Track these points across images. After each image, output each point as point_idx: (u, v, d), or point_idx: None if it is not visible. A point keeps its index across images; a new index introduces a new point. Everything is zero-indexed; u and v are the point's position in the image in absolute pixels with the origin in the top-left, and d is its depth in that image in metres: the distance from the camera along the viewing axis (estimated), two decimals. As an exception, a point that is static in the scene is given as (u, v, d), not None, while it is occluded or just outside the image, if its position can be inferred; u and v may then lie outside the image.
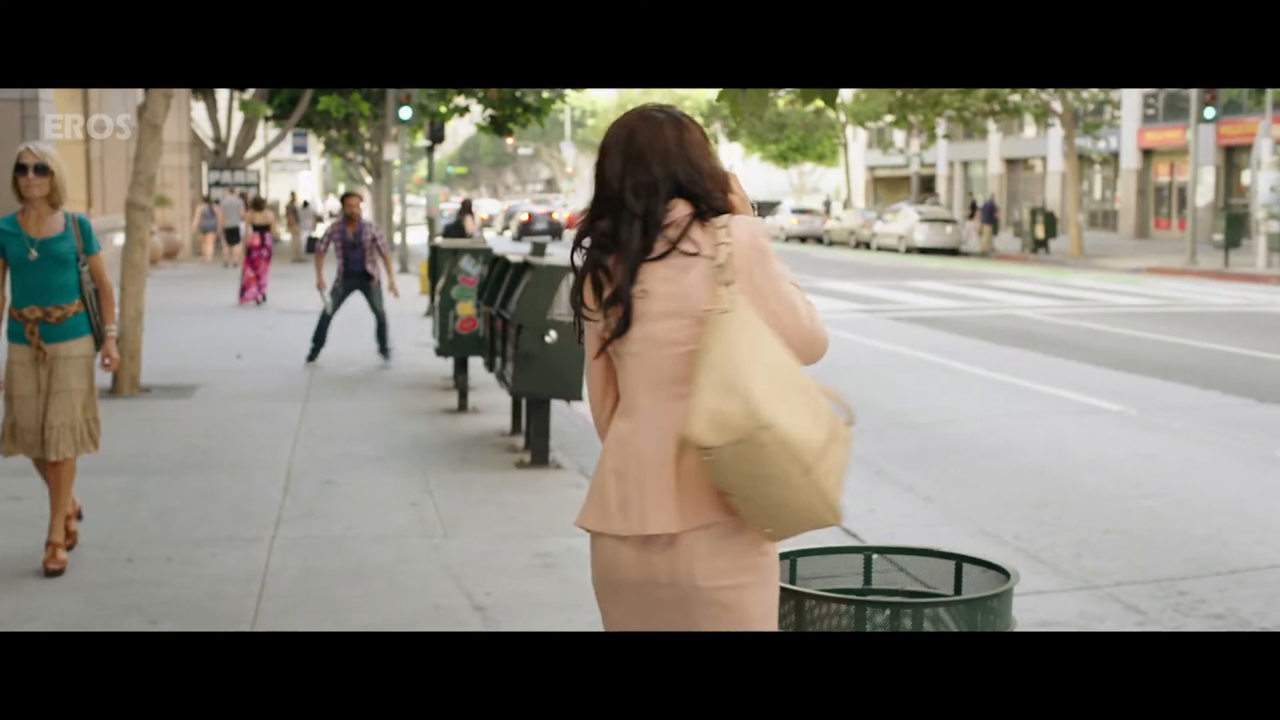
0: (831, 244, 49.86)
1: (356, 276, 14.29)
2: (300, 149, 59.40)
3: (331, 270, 14.73)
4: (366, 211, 45.44)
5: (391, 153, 38.19)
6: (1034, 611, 6.07)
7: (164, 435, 9.96)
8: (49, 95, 21.31)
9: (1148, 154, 47.87)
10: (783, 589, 3.15)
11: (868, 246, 46.03)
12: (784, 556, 3.40)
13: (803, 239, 53.22)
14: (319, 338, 14.06)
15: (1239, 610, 6.16)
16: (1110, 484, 8.75)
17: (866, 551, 3.51)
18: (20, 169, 6.33)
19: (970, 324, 19.00)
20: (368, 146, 44.29)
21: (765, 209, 63.92)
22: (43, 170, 6.32)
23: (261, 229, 22.08)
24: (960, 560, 3.43)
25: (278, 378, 13.12)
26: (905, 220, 43.85)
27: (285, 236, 40.63)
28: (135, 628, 5.58)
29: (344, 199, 14.78)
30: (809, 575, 3.43)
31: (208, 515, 7.57)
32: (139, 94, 19.51)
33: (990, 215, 43.71)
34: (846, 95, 50.94)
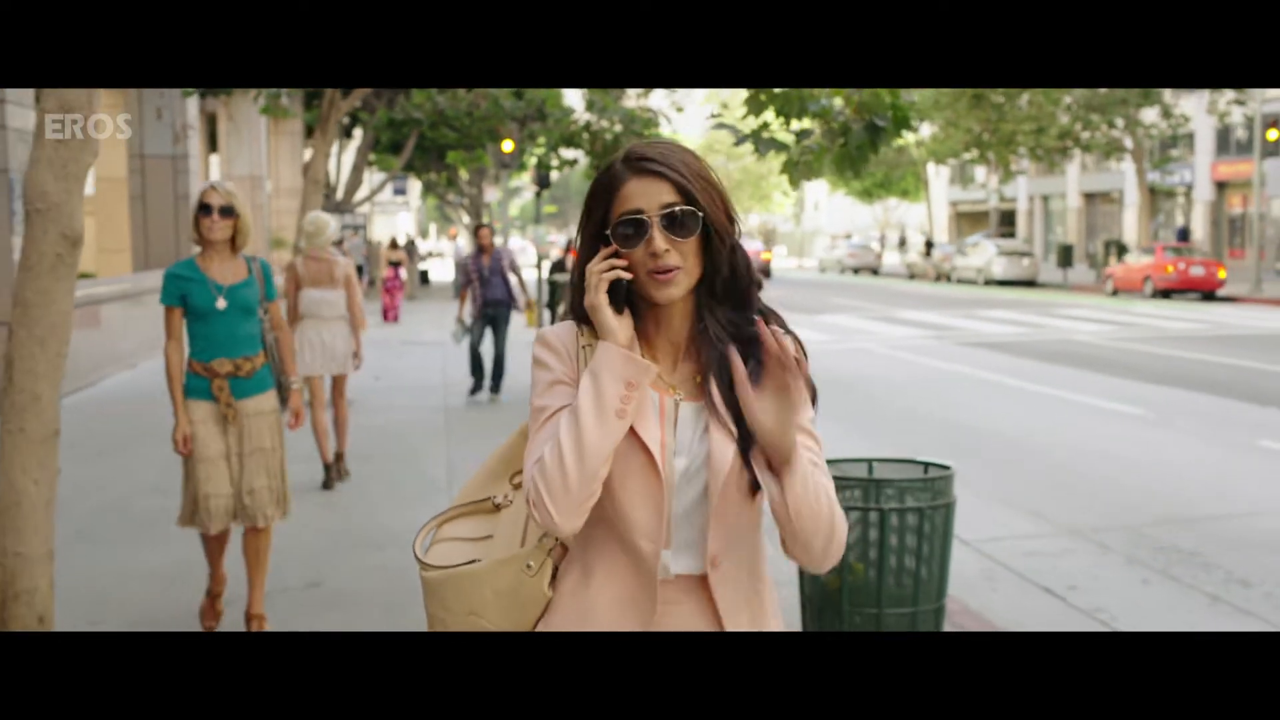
0: (914, 277, 51.94)
1: (494, 305, 14.71)
2: (400, 191, 62.10)
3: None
4: (465, 253, 47.95)
5: (491, 194, 40.75)
6: (1027, 548, 8.11)
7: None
8: (196, 149, 23.73)
9: (1221, 186, 49.25)
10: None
11: (948, 279, 47.95)
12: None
13: (856, 270, 59.79)
14: (476, 370, 14.83)
15: (1179, 545, 8.15)
16: (1114, 467, 10.72)
17: (869, 462, 5.58)
18: (204, 209, 5.91)
19: (1029, 347, 20.94)
20: (466, 189, 46.92)
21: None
22: (228, 212, 5.91)
23: (395, 264, 24.95)
24: (925, 464, 5.50)
25: (415, 395, 15.33)
26: (983, 254, 45.69)
27: (403, 274, 43.43)
28: (367, 555, 7.76)
29: (476, 230, 15.18)
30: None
31: (394, 488, 9.75)
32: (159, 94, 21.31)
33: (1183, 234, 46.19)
34: (924, 132, 53.00)
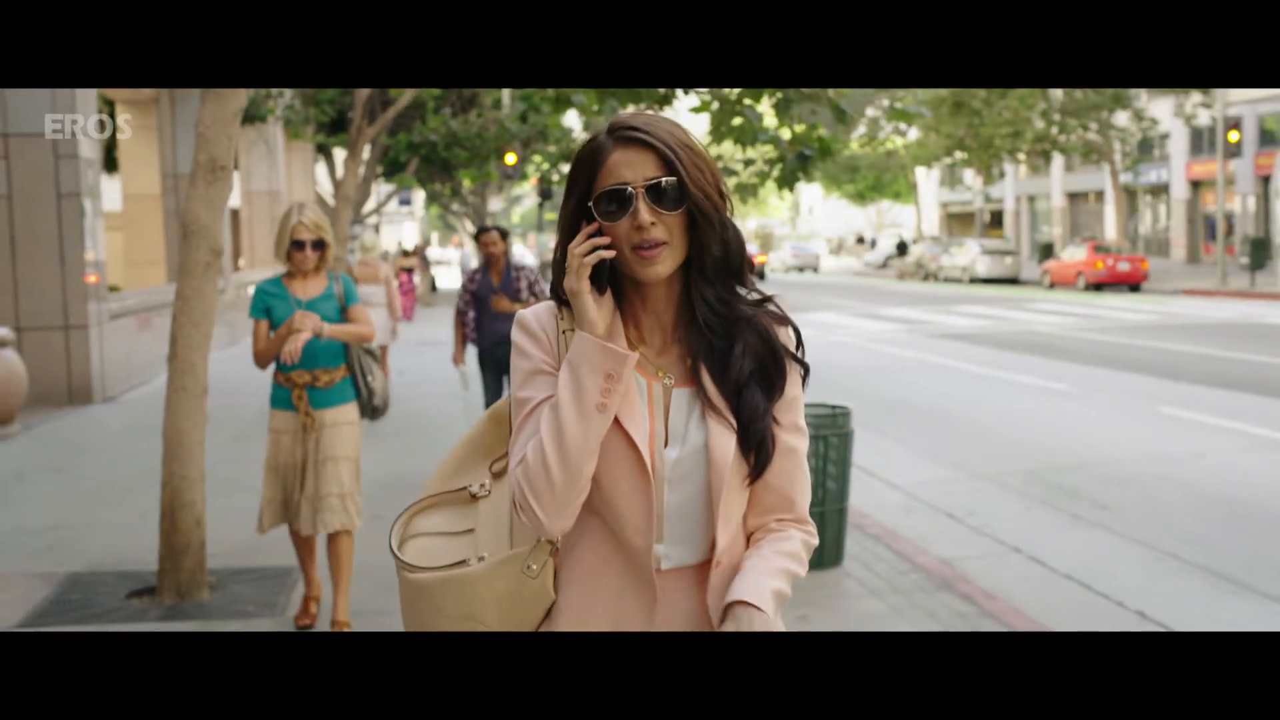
0: (902, 276, 54.06)
1: (504, 342, 9.65)
2: (405, 201, 63.96)
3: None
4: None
5: (496, 204, 42.67)
6: (943, 489, 10.13)
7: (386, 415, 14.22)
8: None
9: (1196, 185, 51.33)
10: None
11: (935, 278, 50.01)
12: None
13: (800, 270, 67.21)
14: None
15: (1063, 483, 10.18)
16: (1029, 429, 12.77)
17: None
18: (297, 245, 6.27)
19: (988, 337, 23.03)
20: (470, 198, 49.00)
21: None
22: (319, 245, 6.33)
23: (408, 270, 27.62)
24: (832, 406, 7.51)
25: (436, 386, 17.33)
26: (968, 253, 47.74)
27: (416, 279, 45.65)
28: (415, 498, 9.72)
29: (478, 236, 10.40)
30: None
31: (428, 453, 11.76)
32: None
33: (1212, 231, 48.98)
34: (911, 136, 55.15)
